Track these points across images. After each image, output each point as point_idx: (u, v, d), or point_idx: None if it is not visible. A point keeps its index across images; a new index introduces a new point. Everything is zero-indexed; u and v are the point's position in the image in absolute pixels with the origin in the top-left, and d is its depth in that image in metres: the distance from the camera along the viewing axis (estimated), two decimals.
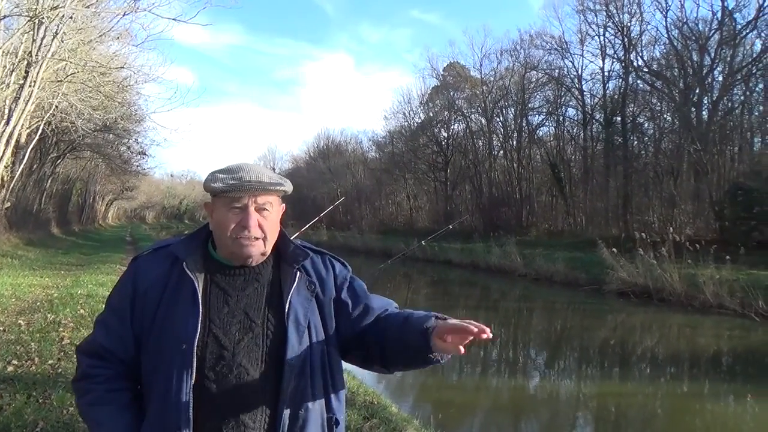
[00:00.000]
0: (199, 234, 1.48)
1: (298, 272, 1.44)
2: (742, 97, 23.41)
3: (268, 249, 1.43)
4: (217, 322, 1.35)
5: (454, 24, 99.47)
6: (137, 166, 34.18)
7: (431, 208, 40.59)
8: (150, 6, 10.48)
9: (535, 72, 32.01)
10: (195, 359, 1.31)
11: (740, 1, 22.05)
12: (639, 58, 26.61)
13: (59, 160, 27.94)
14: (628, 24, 26.41)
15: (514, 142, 34.03)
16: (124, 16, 11.26)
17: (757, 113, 23.49)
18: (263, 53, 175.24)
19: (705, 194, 21.30)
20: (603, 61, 28.24)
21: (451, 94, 37.62)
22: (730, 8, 22.22)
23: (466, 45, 61.24)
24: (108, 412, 1.37)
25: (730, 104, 23.50)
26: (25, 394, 4.14)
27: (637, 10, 26.02)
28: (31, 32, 10.15)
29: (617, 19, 26.77)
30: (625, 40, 26.45)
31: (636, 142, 27.51)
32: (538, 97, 33.02)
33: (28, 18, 9.72)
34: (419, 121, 40.71)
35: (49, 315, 7.12)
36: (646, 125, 27.62)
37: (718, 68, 23.32)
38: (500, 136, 35.31)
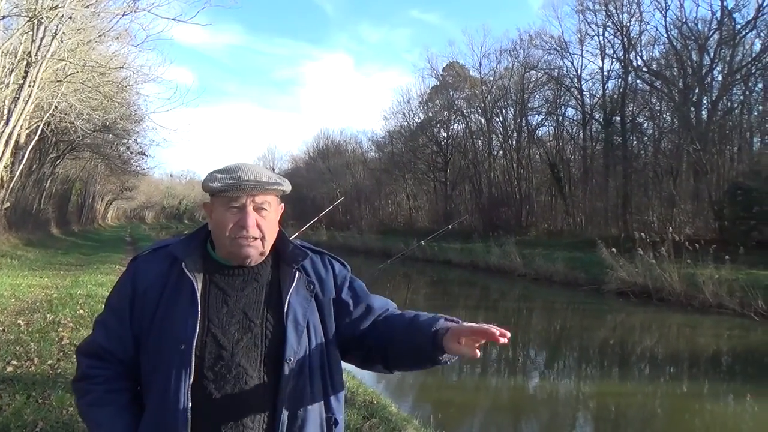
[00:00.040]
0: (198, 234, 1.47)
1: (297, 272, 1.43)
2: (741, 97, 23.41)
3: (267, 249, 1.42)
4: (216, 322, 1.35)
5: (454, 24, 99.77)
6: (137, 166, 34.28)
7: (431, 208, 40.57)
8: (149, 6, 10.48)
9: (534, 72, 32.03)
10: (194, 359, 1.30)
11: (739, 1, 22.08)
12: (638, 57, 26.66)
13: (59, 161, 27.90)
14: (628, 24, 26.45)
15: (514, 142, 34.02)
16: (123, 16, 11.26)
17: (756, 113, 23.51)
18: (263, 53, 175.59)
19: (704, 194, 21.30)
20: (602, 60, 28.28)
21: (451, 94, 37.62)
22: (729, 8, 22.26)
23: (465, 45, 61.24)
24: (107, 413, 1.37)
25: (729, 104, 23.49)
26: (24, 394, 4.14)
27: (637, 10, 26.08)
28: (31, 32, 10.13)
29: (617, 19, 26.81)
30: (625, 39, 26.46)
31: (635, 142, 27.49)
32: (537, 96, 33.05)
33: (28, 18, 9.71)
34: (419, 121, 40.71)
35: (48, 315, 7.11)
36: (645, 125, 27.63)
37: (718, 68, 23.36)
38: (500, 136, 35.31)
